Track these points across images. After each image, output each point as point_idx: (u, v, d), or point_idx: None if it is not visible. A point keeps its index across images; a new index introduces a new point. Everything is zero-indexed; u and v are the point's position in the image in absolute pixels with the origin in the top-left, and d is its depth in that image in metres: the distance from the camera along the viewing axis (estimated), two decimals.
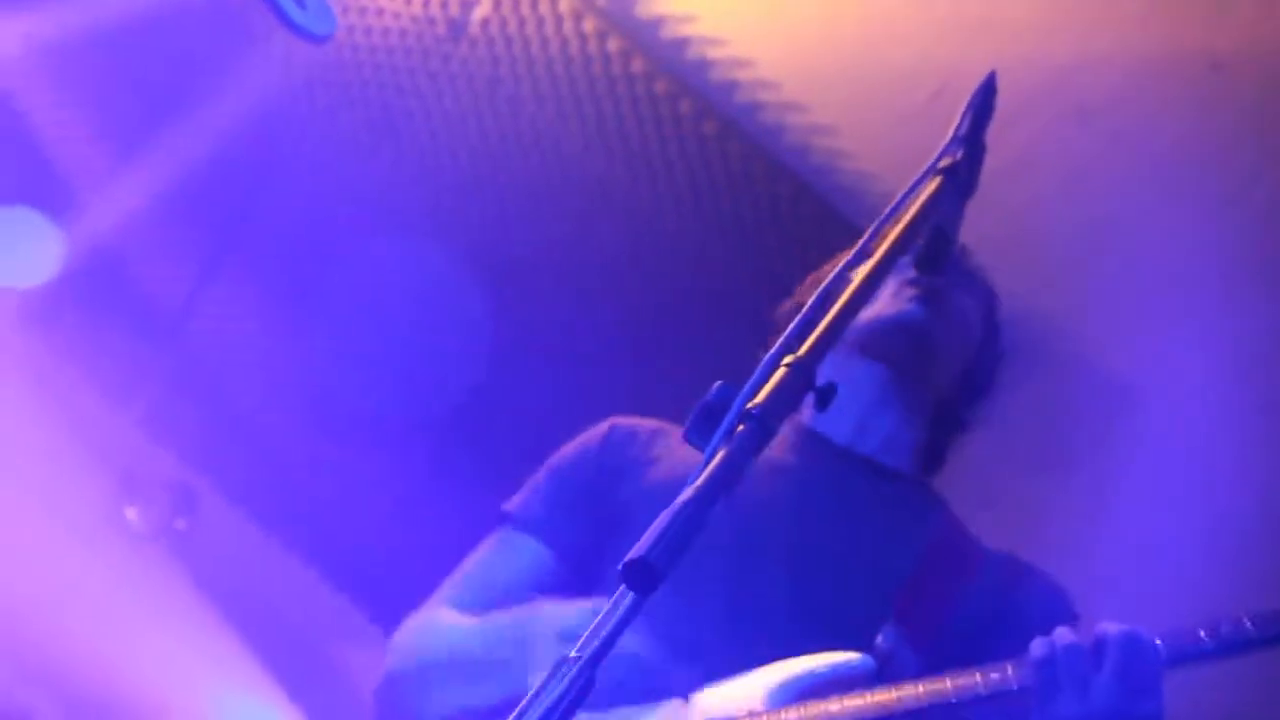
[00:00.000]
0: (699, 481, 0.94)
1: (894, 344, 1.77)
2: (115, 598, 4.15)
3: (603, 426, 1.88)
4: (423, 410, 3.44)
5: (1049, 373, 2.92)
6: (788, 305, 1.89)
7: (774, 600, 1.62)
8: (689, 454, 1.73)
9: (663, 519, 0.90)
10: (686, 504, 0.91)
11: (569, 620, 1.48)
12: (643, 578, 0.87)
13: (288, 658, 4.31)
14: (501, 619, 1.64)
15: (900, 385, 1.80)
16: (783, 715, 1.45)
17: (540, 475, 1.87)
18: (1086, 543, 2.82)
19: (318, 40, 1.77)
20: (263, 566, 4.08)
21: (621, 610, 0.86)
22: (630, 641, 1.00)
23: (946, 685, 1.41)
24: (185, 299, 3.66)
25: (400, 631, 1.78)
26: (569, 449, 1.87)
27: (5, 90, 3.42)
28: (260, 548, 4.02)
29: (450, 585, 1.80)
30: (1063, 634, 1.40)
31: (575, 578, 1.74)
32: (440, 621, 1.74)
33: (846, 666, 1.52)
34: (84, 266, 3.59)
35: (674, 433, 1.83)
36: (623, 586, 0.86)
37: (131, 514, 4.12)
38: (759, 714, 1.46)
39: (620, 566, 0.87)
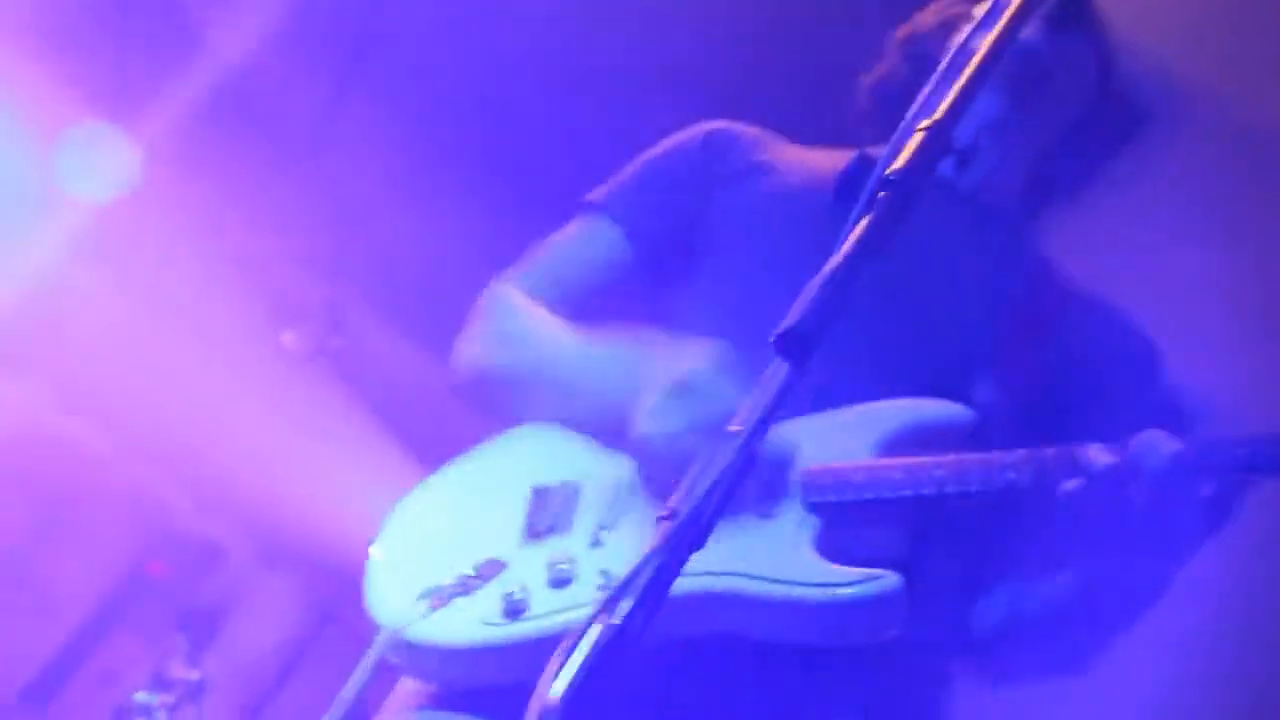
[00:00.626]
0: (845, 249, 0.95)
1: (1008, 69, 1.63)
2: (281, 421, 4.34)
3: (704, 126, 1.78)
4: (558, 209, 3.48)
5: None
6: (908, 30, 1.81)
7: (873, 339, 1.52)
8: (797, 165, 1.72)
9: (811, 288, 0.92)
10: (834, 272, 0.93)
11: (681, 373, 1.43)
12: (797, 348, 0.89)
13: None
14: (602, 344, 1.57)
15: (1009, 119, 1.70)
16: (884, 464, 1.45)
17: (631, 167, 1.78)
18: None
19: None
20: (417, 377, 4.22)
21: (777, 383, 0.88)
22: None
23: (1042, 454, 1.40)
24: (323, 118, 3.73)
25: (481, 316, 1.71)
26: (665, 144, 1.78)
27: None
28: (413, 360, 4.17)
29: (525, 266, 1.74)
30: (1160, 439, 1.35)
31: (648, 283, 1.69)
32: (523, 314, 1.67)
33: (947, 415, 1.51)
34: (221, 95, 3.66)
35: (775, 143, 1.78)
36: (777, 359, 0.89)
37: (288, 338, 4.29)
38: (863, 463, 1.45)
39: (773, 339, 0.89)
